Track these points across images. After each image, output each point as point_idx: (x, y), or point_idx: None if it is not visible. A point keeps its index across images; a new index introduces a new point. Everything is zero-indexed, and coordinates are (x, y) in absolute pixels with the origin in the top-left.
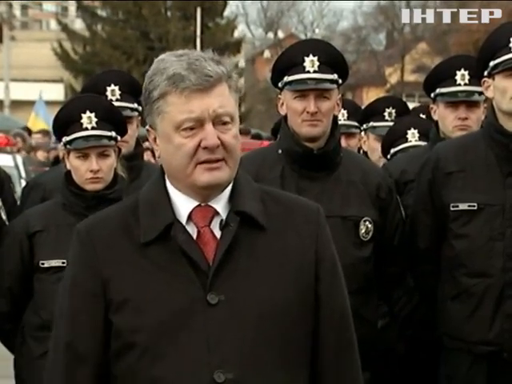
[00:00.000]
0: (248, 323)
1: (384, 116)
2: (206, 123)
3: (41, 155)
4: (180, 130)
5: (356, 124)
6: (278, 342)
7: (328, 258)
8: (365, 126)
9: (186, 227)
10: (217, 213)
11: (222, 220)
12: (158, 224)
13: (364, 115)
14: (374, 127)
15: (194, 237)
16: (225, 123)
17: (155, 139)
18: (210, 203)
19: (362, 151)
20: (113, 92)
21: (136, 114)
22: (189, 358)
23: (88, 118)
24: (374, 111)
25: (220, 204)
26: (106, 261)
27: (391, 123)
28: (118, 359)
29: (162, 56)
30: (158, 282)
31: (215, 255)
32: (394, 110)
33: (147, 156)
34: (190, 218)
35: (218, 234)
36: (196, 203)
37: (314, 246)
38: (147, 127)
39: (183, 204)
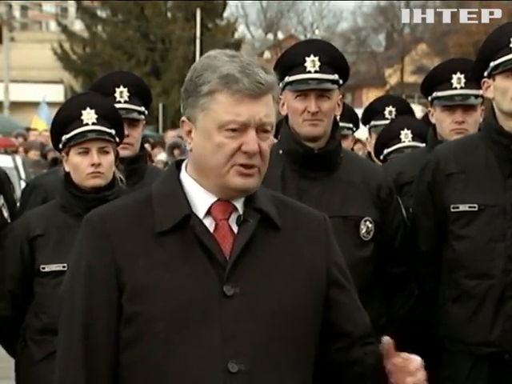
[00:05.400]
0: (262, 317)
1: (384, 115)
2: (249, 128)
3: (33, 154)
4: (223, 130)
5: (349, 125)
6: (290, 339)
7: (339, 263)
8: (367, 126)
9: (203, 221)
10: (235, 209)
11: (239, 216)
12: (174, 214)
13: (366, 115)
14: (376, 126)
15: (211, 230)
16: (266, 131)
17: (189, 132)
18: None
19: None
20: (121, 94)
21: (142, 117)
22: (203, 348)
23: (88, 114)
24: (375, 110)
25: (239, 202)
26: (120, 250)
27: None
28: (129, 348)
29: (211, 52)
30: (173, 271)
31: (232, 248)
32: (394, 109)
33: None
34: (208, 212)
35: (235, 229)
36: (215, 198)
37: (325, 251)
38: (183, 118)
39: (202, 198)
